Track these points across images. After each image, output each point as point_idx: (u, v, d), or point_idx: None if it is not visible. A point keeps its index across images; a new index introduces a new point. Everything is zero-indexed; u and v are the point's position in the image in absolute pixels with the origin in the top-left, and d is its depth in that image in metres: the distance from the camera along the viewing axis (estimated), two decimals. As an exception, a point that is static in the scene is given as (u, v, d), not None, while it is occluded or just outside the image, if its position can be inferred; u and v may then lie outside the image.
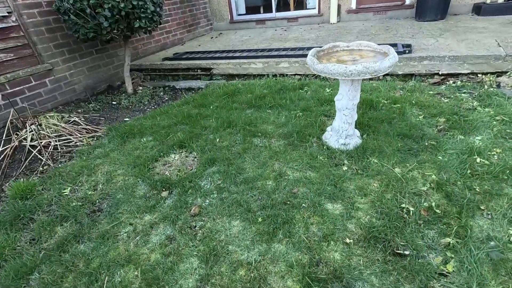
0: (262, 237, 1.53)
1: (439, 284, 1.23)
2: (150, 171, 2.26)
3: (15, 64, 3.33)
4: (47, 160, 2.69)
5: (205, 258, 1.46)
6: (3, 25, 3.18)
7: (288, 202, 1.74)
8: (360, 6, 5.98)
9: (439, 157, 1.97)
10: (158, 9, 3.54)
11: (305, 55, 3.85)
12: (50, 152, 2.79)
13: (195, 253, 1.51)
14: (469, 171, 1.78)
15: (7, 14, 3.20)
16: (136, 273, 1.44)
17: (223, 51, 4.70)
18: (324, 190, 1.78)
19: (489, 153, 1.94)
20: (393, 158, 2.00)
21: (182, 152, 2.47)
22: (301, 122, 2.62)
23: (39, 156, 2.72)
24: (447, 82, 3.24)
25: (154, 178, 2.14)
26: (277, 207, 1.71)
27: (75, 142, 2.94)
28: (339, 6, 6.05)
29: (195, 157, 2.38)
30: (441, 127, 2.31)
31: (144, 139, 2.72)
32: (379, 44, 3.67)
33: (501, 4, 4.90)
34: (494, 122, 2.27)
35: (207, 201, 1.87)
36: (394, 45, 3.78)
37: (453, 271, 1.27)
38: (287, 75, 3.96)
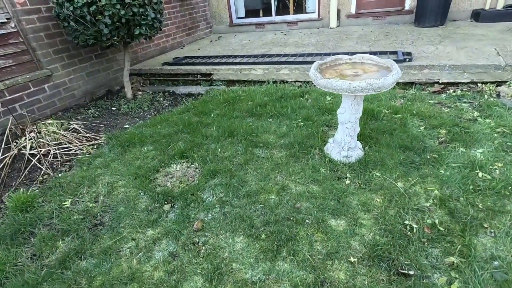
0: (266, 255, 1.53)
1: (443, 306, 1.23)
2: (152, 182, 2.25)
3: (14, 71, 3.30)
4: (46, 169, 2.67)
5: (209, 277, 1.45)
6: (2, 31, 3.15)
7: (292, 218, 1.73)
8: (359, 11, 6.00)
9: (441, 171, 1.97)
10: (158, 16, 3.52)
11: (306, 62, 3.86)
12: (50, 161, 2.77)
13: (198, 271, 1.50)
14: (471, 187, 1.79)
15: (6, 20, 3.17)
16: (139, 291, 1.44)
17: (223, 56, 4.69)
18: (327, 205, 1.78)
19: (490, 167, 1.95)
20: (395, 171, 2.01)
21: (183, 162, 2.46)
22: (303, 132, 2.62)
23: (39, 165, 2.70)
24: (447, 91, 3.25)
25: (155, 190, 2.13)
26: (280, 222, 1.71)
27: (75, 151, 2.92)
28: (338, 11, 6.06)
29: (197, 168, 2.38)
30: (442, 139, 2.32)
31: (145, 148, 2.71)
32: (380, 53, 3.68)
33: (500, 11, 4.93)
34: (495, 135, 2.28)
35: (210, 215, 1.86)
36: (394, 53, 3.80)
37: (458, 292, 1.28)
38: (287, 81, 3.96)
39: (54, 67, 3.65)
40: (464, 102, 2.97)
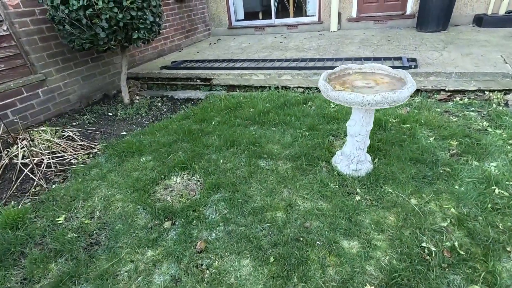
0: (276, 281, 1.42)
1: None
2: (151, 196, 2.13)
3: (6, 75, 3.16)
4: (39, 180, 2.54)
5: (215, 306, 1.35)
6: (-7, 34, 3.02)
7: (301, 239, 1.63)
8: (360, 15, 5.93)
9: (456, 187, 1.89)
10: (157, 19, 3.41)
11: (308, 68, 3.77)
12: (43, 171, 2.64)
13: (203, 299, 1.40)
14: (489, 205, 1.71)
15: (-3, 23, 3.04)
16: (139, 323, 1.32)
17: (223, 60, 4.58)
18: (338, 225, 1.68)
19: (507, 183, 1.87)
20: (408, 187, 1.92)
21: (184, 174, 2.35)
22: (308, 142, 2.53)
23: (31, 176, 2.57)
24: (454, 99, 3.18)
25: (155, 206, 2.01)
26: (289, 244, 1.61)
27: (70, 160, 2.79)
28: (339, 14, 5.99)
29: (198, 180, 2.27)
30: (454, 151, 2.24)
31: (143, 158, 2.59)
32: (384, 59, 3.58)
33: (503, 16, 4.90)
34: (508, 147, 2.21)
35: (213, 234, 1.76)
36: (398, 59, 3.73)
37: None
38: (289, 87, 3.86)
39: (48, 71, 3.51)
40: (472, 111, 2.89)
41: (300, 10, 6.76)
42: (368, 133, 1.95)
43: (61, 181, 2.53)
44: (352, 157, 2.04)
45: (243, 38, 6.37)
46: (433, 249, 1.49)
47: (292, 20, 6.53)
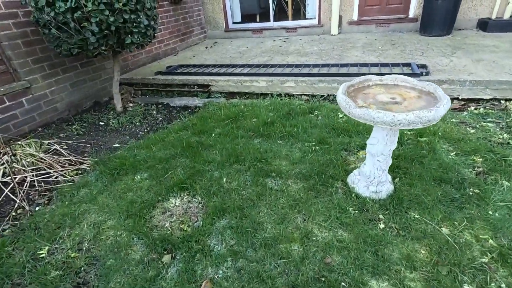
0: (298, 336, 1.21)
1: None
2: (147, 223, 1.89)
3: (-15, 83, 2.89)
4: (21, 201, 2.27)
5: None
6: (-29, 38, 2.74)
7: (323, 279, 1.42)
8: (362, 18, 5.78)
9: (490, 213, 1.70)
10: (152, 23, 3.17)
11: (312, 74, 3.58)
12: (26, 191, 2.38)
13: None
14: (532, 236, 1.52)
15: (-25, 26, 2.76)
16: None
17: (221, 65, 4.35)
18: (364, 261, 1.48)
19: (545, 207, 1.69)
20: (436, 212, 1.72)
21: (183, 195, 2.11)
22: (319, 158, 2.32)
23: (12, 197, 2.30)
24: (468, 108, 3.01)
25: (152, 235, 1.78)
26: (310, 285, 1.39)
27: (56, 177, 2.53)
28: (340, 17, 5.82)
29: (200, 203, 2.04)
30: (480, 169, 2.06)
31: (138, 176, 2.35)
32: (392, 65, 3.39)
33: (508, 21, 4.78)
34: (538, 164, 2.04)
35: (220, 272, 1.53)
36: (407, 65, 3.56)
37: None
38: (293, 95, 3.66)
39: (33, 78, 3.24)
40: (490, 122, 2.73)
41: (298, 13, 6.58)
42: (391, 152, 1.75)
43: (46, 202, 2.27)
44: (372, 178, 1.84)
45: (241, 42, 6.16)
46: (478, 292, 1.29)
47: (291, 23, 6.34)
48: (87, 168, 2.60)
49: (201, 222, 1.86)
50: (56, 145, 2.90)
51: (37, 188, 2.41)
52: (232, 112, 3.24)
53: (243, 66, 4.23)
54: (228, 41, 6.38)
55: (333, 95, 3.49)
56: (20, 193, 2.33)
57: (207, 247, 1.67)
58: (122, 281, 1.53)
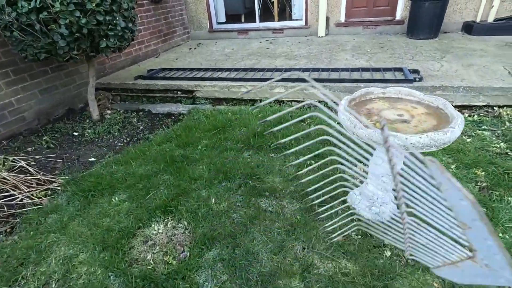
0: None
1: None
2: (126, 256, 1.67)
3: None
4: (-21, 230, 1.98)
5: None
6: None
7: (329, 324, 1.25)
8: (349, 20, 5.69)
9: (500, 235, 1.59)
10: (130, 25, 2.91)
11: (303, 80, 3.41)
12: (-15, 217, 2.09)
13: None
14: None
15: None
16: None
17: (206, 69, 4.12)
18: (373, 299, 1.32)
19: (556, 228, 1.60)
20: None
21: (167, 220, 1.90)
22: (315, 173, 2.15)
23: (-32, 225, 2.01)
24: (463, 115, 2.94)
25: (132, 272, 1.55)
26: (315, 333, 1.22)
27: (21, 199, 2.24)
28: (327, 19, 5.71)
29: (186, 229, 1.83)
30: (483, 184, 1.96)
31: (116, 198, 2.10)
32: (383, 69, 3.23)
33: (492, 24, 4.81)
34: (541, 178, 1.96)
35: (212, 317, 1.34)
36: (399, 69, 3.47)
37: None
38: (283, 101, 3.49)
39: (-5, 86, 2.91)
40: (485, 130, 2.66)
41: (284, 14, 6.43)
42: (397, 172, 1.61)
43: (8, 231, 1.99)
44: (375, 198, 1.69)
45: (226, 43, 5.93)
46: (501, 335, 1.16)
47: (277, 24, 6.17)
48: (58, 188, 2.33)
49: (188, 253, 1.65)
50: (22, 161, 2.59)
51: (-2, 214, 2.12)
52: (219, 121, 3.03)
53: (229, 69, 4.02)
54: (213, 42, 6.14)
55: (324, 101, 3.34)
56: (-23, 220, 2.04)
57: (195, 285, 1.47)
58: (95, 333, 1.31)
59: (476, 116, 2.89)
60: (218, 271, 1.53)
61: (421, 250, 0.98)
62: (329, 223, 1.45)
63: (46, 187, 2.35)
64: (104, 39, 2.69)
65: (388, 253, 1.54)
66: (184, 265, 1.57)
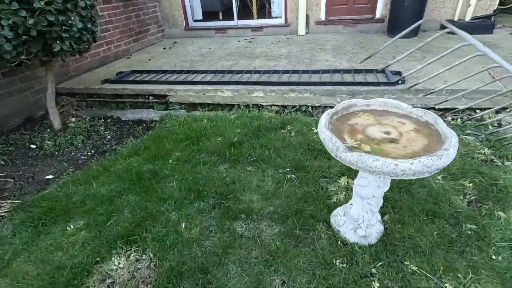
0: None
1: None
2: (79, 300, 1.43)
3: None
4: None
5: None
6: None
7: None
8: (329, 18, 5.56)
9: (493, 257, 1.48)
10: (89, 25, 2.61)
11: (283, 83, 3.24)
12: None
13: None
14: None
15: None
16: None
17: (180, 71, 3.86)
18: None
19: (549, 246, 1.51)
20: (435, 260, 1.46)
21: (130, 251, 1.66)
22: (296, 190, 1.98)
23: None
24: (445, 119, 2.87)
25: (83, 322, 1.32)
26: None
27: (-40, 230, 1.93)
28: (307, 17, 5.55)
29: (152, 262, 1.61)
30: (472, 197, 1.85)
31: (72, 226, 1.84)
32: (365, 71, 3.08)
33: (469, 23, 4.82)
34: (529, 189, 1.88)
35: None
36: (381, 71, 3.35)
37: None
38: (262, 106, 3.30)
39: None
40: (469, 135, 2.59)
41: (264, 11, 6.21)
42: (383, 193, 1.46)
43: None
44: (361, 221, 1.54)
45: (203, 42, 5.66)
46: None
47: (256, 22, 5.95)
48: (5, 214, 2.03)
49: (152, 294, 1.43)
50: (-36, 183, 2.27)
51: None
52: (194, 130, 2.80)
53: (205, 72, 3.78)
54: (189, 41, 5.85)
55: (305, 105, 3.19)
56: None
57: (158, 336, 1.26)
58: None
59: (459, 120, 2.82)
60: (186, 316, 1.33)
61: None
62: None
63: (-9, 213, 2.04)
64: (58, 41, 2.39)
65: (377, 285, 1.39)
66: (146, 309, 1.36)
